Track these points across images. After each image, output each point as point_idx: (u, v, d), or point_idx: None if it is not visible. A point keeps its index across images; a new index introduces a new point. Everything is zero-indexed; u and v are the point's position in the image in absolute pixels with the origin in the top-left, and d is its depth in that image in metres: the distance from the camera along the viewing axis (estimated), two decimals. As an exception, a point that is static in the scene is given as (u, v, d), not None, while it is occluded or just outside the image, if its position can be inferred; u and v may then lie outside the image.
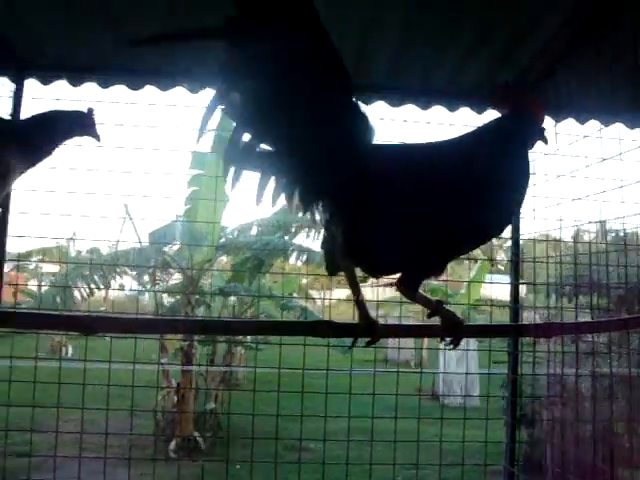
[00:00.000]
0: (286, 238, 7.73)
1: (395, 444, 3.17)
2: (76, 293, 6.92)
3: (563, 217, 3.34)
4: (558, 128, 3.33)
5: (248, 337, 7.69)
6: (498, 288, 4.63)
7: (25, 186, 2.89)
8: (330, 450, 3.28)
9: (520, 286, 3.45)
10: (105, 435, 3.09)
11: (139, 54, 3.05)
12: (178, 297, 7.75)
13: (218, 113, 1.57)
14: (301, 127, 1.57)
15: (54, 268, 11.30)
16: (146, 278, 8.23)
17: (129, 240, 8.31)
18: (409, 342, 7.23)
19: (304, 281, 10.97)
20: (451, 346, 1.85)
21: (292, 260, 8.02)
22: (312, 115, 1.57)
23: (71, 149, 2.39)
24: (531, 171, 1.68)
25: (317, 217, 1.67)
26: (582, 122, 3.43)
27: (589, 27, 2.71)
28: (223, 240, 7.81)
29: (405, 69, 3.14)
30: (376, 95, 3.30)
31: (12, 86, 3.15)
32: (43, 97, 3.19)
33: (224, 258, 8.51)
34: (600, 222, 3.75)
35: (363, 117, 1.66)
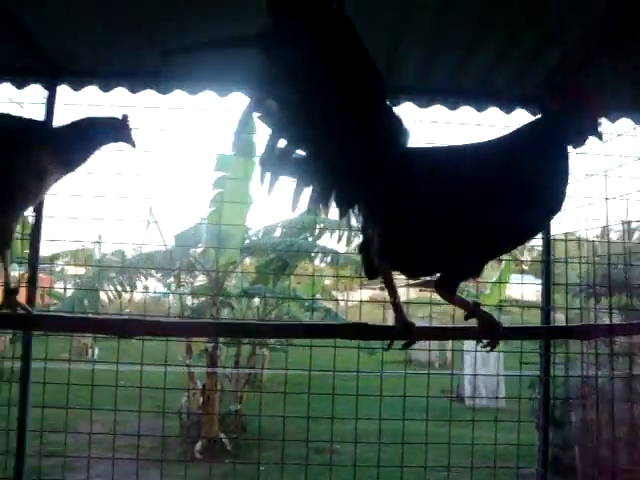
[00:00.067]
0: (310, 239, 7.74)
1: (427, 446, 3.15)
2: (103, 295, 7.01)
3: (592, 216, 3.30)
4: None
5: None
6: (522, 288, 4.58)
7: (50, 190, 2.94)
8: (355, 452, 3.26)
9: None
10: (137, 437, 3.12)
11: (169, 59, 3.08)
12: (203, 299, 7.79)
13: (249, 117, 1.59)
14: (336, 132, 1.58)
15: (79, 270, 11.42)
16: (171, 280, 8.29)
17: (154, 243, 8.37)
18: (434, 343, 7.20)
19: (327, 282, 10.98)
20: (488, 348, 1.84)
21: (316, 261, 8.03)
22: (347, 120, 1.58)
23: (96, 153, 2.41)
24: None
25: (353, 221, 1.68)
26: (612, 121, 3.39)
27: (621, 26, 2.68)
28: (247, 242, 7.84)
29: (434, 70, 3.12)
30: (405, 96, 3.29)
31: (45, 93, 3.20)
32: (75, 103, 3.25)
33: (248, 260, 8.55)
34: (626, 222, 3.70)
35: (398, 120, 1.66)
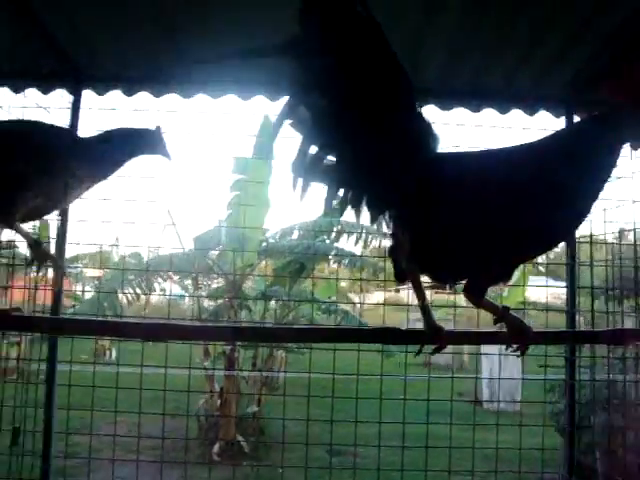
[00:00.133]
0: (327, 242, 7.74)
1: (450, 450, 3.14)
2: (121, 297, 7.05)
3: (610, 219, 3.28)
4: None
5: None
6: (541, 291, 4.55)
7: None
8: (379, 455, 3.26)
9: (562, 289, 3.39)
10: (162, 439, 3.14)
11: (190, 65, 3.11)
12: (220, 301, 7.82)
13: (282, 124, 1.59)
14: (367, 138, 1.58)
15: (97, 272, 11.49)
16: (189, 282, 8.33)
17: (172, 245, 8.41)
18: (450, 346, 7.16)
19: (342, 284, 10.98)
20: (518, 353, 1.83)
21: (333, 264, 8.03)
22: (378, 126, 1.58)
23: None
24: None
25: (384, 226, 1.69)
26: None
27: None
28: (265, 244, 7.87)
29: (457, 72, 3.12)
30: (426, 99, 3.29)
31: (70, 97, 3.24)
32: (99, 107, 3.29)
33: (266, 262, 8.56)
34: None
35: (427, 125, 1.67)
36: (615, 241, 3.63)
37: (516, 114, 3.39)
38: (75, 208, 3.25)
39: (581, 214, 1.66)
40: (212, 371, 7.29)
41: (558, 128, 3.30)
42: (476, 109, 3.36)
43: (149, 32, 2.86)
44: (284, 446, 3.58)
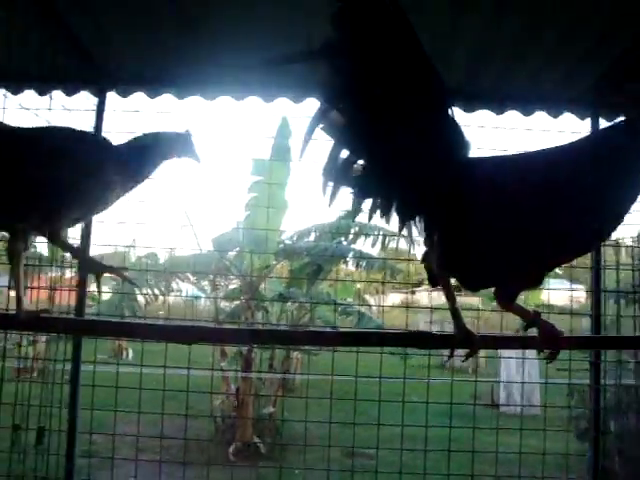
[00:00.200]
0: (344, 243, 7.73)
1: (473, 454, 3.12)
2: (140, 298, 7.09)
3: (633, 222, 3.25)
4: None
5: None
6: (554, 294, 4.51)
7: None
8: (401, 458, 3.25)
9: (578, 292, 3.36)
10: (184, 440, 3.15)
11: (215, 66, 3.12)
12: (237, 302, 7.84)
13: (317, 129, 1.59)
14: (399, 143, 1.57)
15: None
16: (205, 283, 8.35)
17: (189, 246, 8.44)
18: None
19: (358, 286, 10.97)
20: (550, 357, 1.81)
21: (350, 266, 8.02)
22: (410, 130, 1.57)
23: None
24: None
25: (414, 231, 1.68)
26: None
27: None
28: (282, 246, 7.87)
29: (481, 74, 3.11)
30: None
31: (94, 99, 3.26)
32: (123, 109, 3.31)
33: (282, 263, 8.58)
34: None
35: (459, 131, 1.66)
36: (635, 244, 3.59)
37: (540, 116, 3.37)
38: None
39: (618, 217, 1.63)
40: (227, 372, 7.31)
41: (582, 130, 3.31)
42: (500, 111, 3.34)
43: (172, 34, 2.88)
44: (301, 447, 3.56)
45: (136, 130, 3.06)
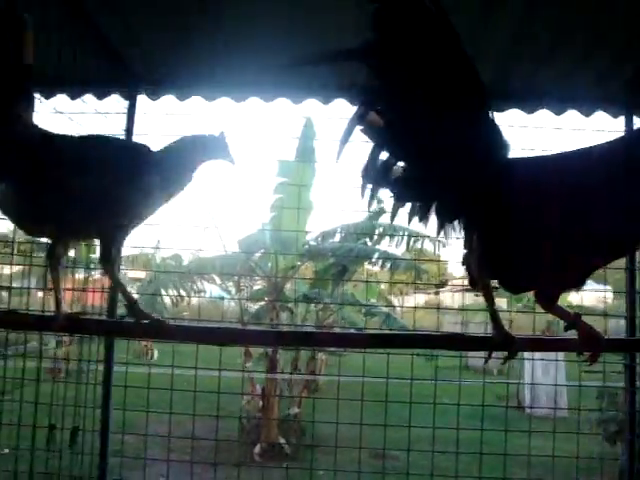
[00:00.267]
0: (369, 244, 7.73)
1: (505, 457, 3.09)
2: (166, 299, 7.15)
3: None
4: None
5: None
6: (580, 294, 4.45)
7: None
8: (432, 461, 3.23)
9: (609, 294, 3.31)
10: (215, 441, 3.17)
11: (245, 67, 3.13)
12: (262, 303, 7.88)
13: (354, 131, 1.59)
14: (439, 145, 1.56)
15: (139, 274, 11.67)
16: (230, 285, 8.40)
17: (214, 248, 8.49)
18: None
19: (382, 287, 10.94)
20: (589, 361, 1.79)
21: (375, 266, 8.01)
22: (450, 133, 1.56)
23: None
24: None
25: (454, 233, 1.67)
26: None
27: None
28: (307, 247, 7.89)
29: (512, 73, 3.08)
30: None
31: (125, 102, 3.29)
32: (154, 112, 3.34)
33: (307, 264, 8.60)
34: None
35: (498, 131, 1.64)
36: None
37: (572, 115, 3.33)
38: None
39: None
40: (251, 373, 7.34)
41: (615, 129, 3.27)
42: (531, 110, 3.31)
43: (202, 36, 2.89)
44: (326, 448, 3.56)
45: (168, 132, 3.12)
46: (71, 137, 1.87)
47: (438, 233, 1.63)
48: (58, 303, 1.87)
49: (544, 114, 3.33)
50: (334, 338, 2.45)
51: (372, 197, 1.59)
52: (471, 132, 1.57)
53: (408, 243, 7.27)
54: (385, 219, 7.80)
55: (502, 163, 1.63)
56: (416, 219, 1.62)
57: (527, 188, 1.57)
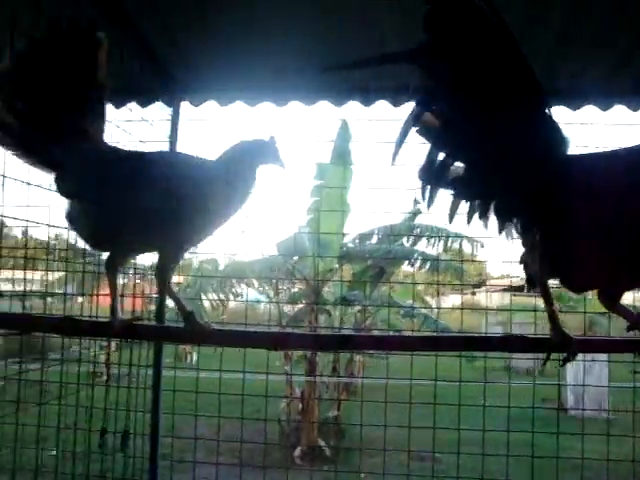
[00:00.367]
0: (407, 245, 7.69)
1: (558, 460, 3.03)
2: (206, 303, 7.22)
3: None
4: None
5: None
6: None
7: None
8: (482, 463, 3.19)
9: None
10: (264, 445, 3.18)
11: (285, 73, 3.14)
12: (301, 306, 7.90)
13: (410, 131, 1.57)
14: (497, 144, 1.55)
15: (175, 279, 11.74)
16: (268, 288, 8.44)
17: (251, 251, 8.53)
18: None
19: (419, 288, 10.87)
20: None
21: (412, 268, 7.96)
22: (507, 131, 1.54)
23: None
24: None
25: (513, 232, 1.65)
26: None
27: None
28: (344, 249, 7.88)
29: (558, 70, 3.03)
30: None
31: (168, 110, 3.33)
32: (196, 118, 3.36)
33: (345, 267, 8.60)
34: None
35: (557, 128, 1.61)
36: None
37: (618, 110, 3.26)
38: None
39: None
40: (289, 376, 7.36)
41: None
42: (576, 107, 3.25)
43: (244, 42, 2.90)
44: (366, 451, 3.53)
45: (211, 139, 3.15)
46: (137, 153, 1.90)
47: (500, 232, 1.61)
48: (114, 310, 1.90)
49: (590, 110, 3.28)
50: (399, 340, 2.40)
51: (431, 197, 1.58)
52: (529, 130, 1.55)
53: (446, 244, 7.22)
54: (422, 220, 7.77)
55: (562, 160, 1.60)
56: (475, 218, 1.60)
57: (590, 185, 1.55)
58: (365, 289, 7.93)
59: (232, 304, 9.91)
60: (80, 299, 3.88)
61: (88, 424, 2.90)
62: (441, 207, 1.62)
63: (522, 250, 1.71)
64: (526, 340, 1.83)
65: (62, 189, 1.77)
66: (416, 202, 7.72)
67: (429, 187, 1.57)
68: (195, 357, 11.01)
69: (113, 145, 1.91)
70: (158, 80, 3.28)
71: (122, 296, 3.65)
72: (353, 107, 3.39)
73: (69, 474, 2.80)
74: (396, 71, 2.82)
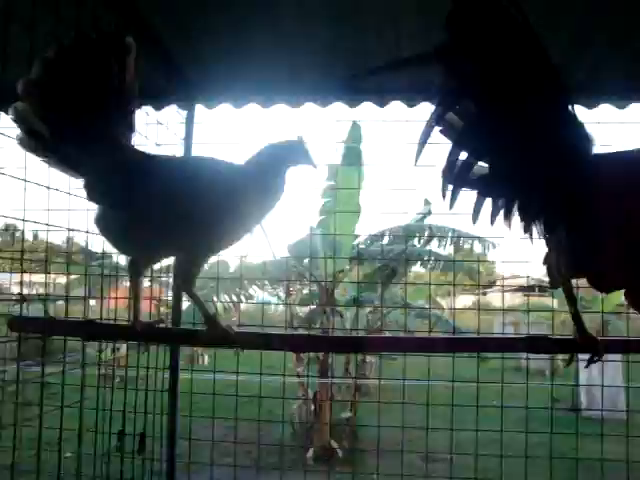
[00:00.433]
0: (418, 246, 7.67)
1: (577, 462, 3.01)
2: (218, 305, 7.22)
3: None
4: None
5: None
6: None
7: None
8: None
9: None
10: (280, 447, 3.17)
11: (300, 74, 3.15)
12: (313, 307, 7.89)
13: (431, 131, 1.57)
14: (519, 143, 1.54)
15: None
16: (280, 289, 8.44)
17: (262, 253, 8.53)
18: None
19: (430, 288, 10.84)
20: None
21: (424, 268, 7.95)
22: (531, 130, 1.54)
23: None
24: None
25: (537, 233, 1.64)
26: None
27: None
28: (356, 250, 7.87)
29: (573, 70, 3.01)
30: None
31: (183, 112, 3.33)
32: (211, 121, 3.37)
33: (357, 268, 8.59)
34: None
35: (582, 128, 1.61)
36: None
37: (636, 107, 3.24)
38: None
39: None
40: (302, 377, 7.36)
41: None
42: (592, 105, 3.23)
43: (259, 43, 2.90)
44: (379, 452, 3.51)
45: (227, 141, 3.15)
46: (166, 158, 1.90)
47: (525, 232, 1.60)
48: (136, 313, 1.91)
49: (606, 109, 3.26)
50: (416, 342, 2.40)
51: (453, 198, 1.57)
52: (555, 128, 1.55)
53: (457, 244, 7.19)
54: (432, 220, 7.76)
55: (587, 159, 1.59)
56: (500, 219, 1.59)
57: (617, 185, 1.54)
58: (376, 290, 7.92)
59: (243, 306, 9.93)
60: (92, 302, 3.90)
61: (109, 426, 2.91)
62: (452, 207, 1.61)
63: (545, 251, 1.71)
64: (553, 341, 1.83)
65: (92, 196, 1.78)
66: (427, 202, 7.73)
67: (452, 187, 1.56)
68: (207, 359, 11.02)
69: (142, 150, 1.92)
70: (173, 83, 3.28)
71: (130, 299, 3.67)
72: (367, 108, 3.39)
73: (88, 476, 2.80)
74: (412, 71, 2.81)
